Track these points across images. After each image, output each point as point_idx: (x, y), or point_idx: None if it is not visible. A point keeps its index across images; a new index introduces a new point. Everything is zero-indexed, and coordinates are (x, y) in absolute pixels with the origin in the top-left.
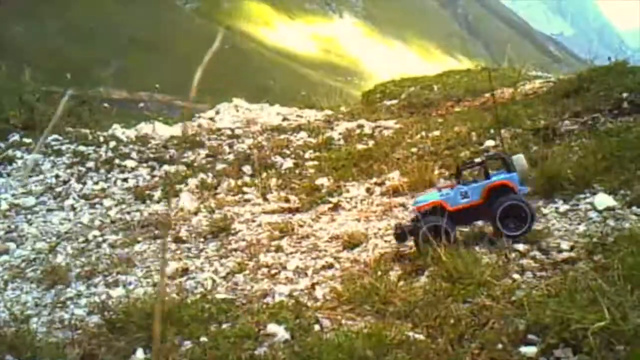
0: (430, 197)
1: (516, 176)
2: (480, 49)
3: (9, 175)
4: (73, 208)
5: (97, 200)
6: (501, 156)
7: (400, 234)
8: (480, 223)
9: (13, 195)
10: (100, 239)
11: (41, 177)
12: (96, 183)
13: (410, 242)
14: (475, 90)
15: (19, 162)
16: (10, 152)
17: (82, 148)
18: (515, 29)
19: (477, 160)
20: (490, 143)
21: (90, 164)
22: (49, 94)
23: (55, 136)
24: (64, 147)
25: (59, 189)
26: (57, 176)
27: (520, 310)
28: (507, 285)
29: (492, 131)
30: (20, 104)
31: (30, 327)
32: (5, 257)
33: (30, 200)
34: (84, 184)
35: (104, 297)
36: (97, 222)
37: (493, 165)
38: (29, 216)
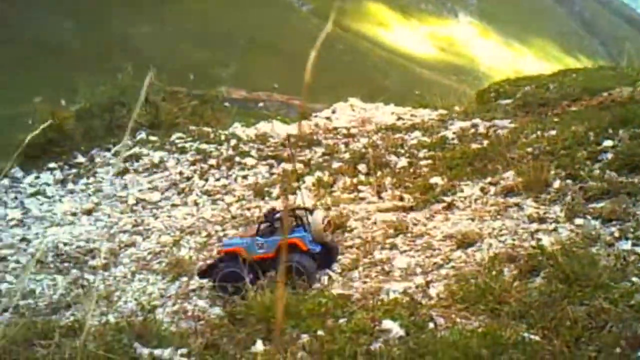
0: (234, 242)
1: (308, 236)
2: (597, 47)
3: (136, 171)
4: (196, 203)
5: (218, 196)
6: (299, 214)
7: (203, 272)
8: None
9: (140, 190)
10: (221, 233)
11: (166, 173)
12: (218, 180)
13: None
14: (592, 89)
15: (145, 159)
16: (137, 149)
17: (204, 146)
18: (634, 27)
19: (277, 216)
20: (608, 143)
21: (212, 162)
22: (173, 93)
23: (179, 134)
24: (187, 145)
25: (182, 185)
26: (181, 173)
27: (639, 314)
28: (626, 288)
29: (610, 131)
30: (146, 103)
31: (156, 317)
32: (132, 250)
33: (156, 196)
34: (206, 180)
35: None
36: (218, 218)
37: None
38: (154, 211)
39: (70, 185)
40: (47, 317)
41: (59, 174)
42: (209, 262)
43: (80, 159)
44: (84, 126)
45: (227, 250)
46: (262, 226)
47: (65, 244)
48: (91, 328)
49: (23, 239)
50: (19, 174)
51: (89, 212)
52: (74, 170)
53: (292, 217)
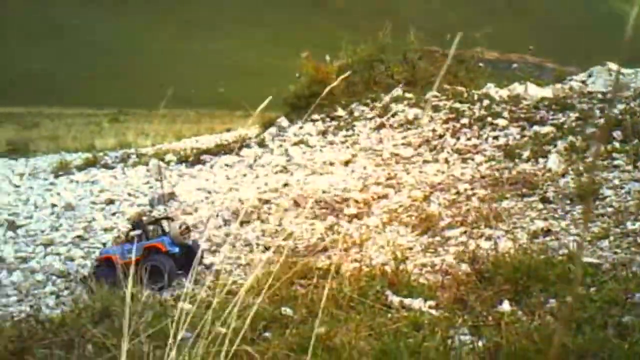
0: (107, 250)
1: (167, 239)
2: None
3: (391, 126)
4: (446, 161)
5: (469, 155)
6: (160, 223)
7: (82, 279)
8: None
9: (394, 145)
10: (470, 192)
11: (419, 130)
12: (469, 139)
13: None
14: None
15: (400, 115)
16: (393, 105)
17: (457, 105)
18: None
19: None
20: None
21: (465, 121)
22: (430, 53)
23: (434, 93)
24: (441, 104)
25: (434, 142)
26: (434, 130)
27: None
28: None
29: None
30: (403, 60)
31: (407, 268)
32: (384, 202)
33: (409, 151)
34: (458, 139)
35: (472, 247)
36: (468, 176)
37: None
38: (407, 166)
39: (330, 137)
40: (305, 259)
41: (320, 126)
42: (89, 270)
43: (341, 112)
44: (345, 81)
45: (104, 257)
46: (131, 234)
47: (323, 192)
48: (346, 272)
49: (285, 184)
50: (285, 123)
51: (346, 163)
52: (334, 123)
53: (157, 226)
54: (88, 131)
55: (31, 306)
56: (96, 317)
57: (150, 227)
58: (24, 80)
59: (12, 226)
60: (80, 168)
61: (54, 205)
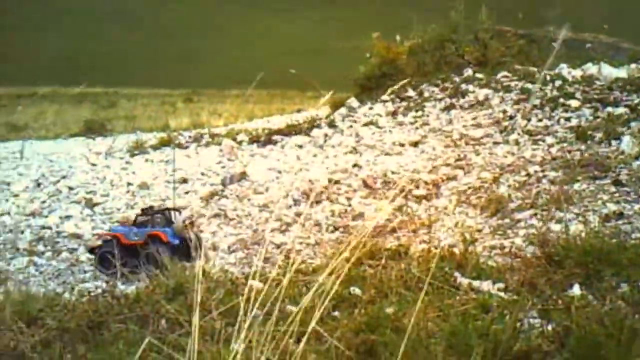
0: (116, 229)
1: (170, 230)
2: None
3: (461, 107)
4: (517, 142)
5: (539, 136)
6: (165, 213)
7: (92, 249)
8: None
9: (464, 126)
10: (540, 174)
11: (490, 111)
12: (540, 120)
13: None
14: None
15: (471, 95)
16: (463, 86)
17: (529, 85)
18: None
19: (144, 215)
20: None
21: (536, 102)
22: (501, 32)
23: (505, 73)
24: (512, 84)
25: (505, 124)
26: (504, 111)
27: None
28: None
29: None
30: (474, 40)
31: (476, 250)
32: (453, 183)
33: (479, 132)
34: (529, 120)
35: (542, 230)
36: (538, 158)
37: None
38: (476, 147)
39: (400, 118)
40: (374, 239)
41: (390, 106)
42: (97, 242)
43: (411, 92)
44: (415, 61)
45: (111, 234)
46: (139, 219)
47: (392, 173)
48: (414, 253)
49: (355, 165)
50: (355, 104)
51: (415, 144)
52: (404, 104)
53: (165, 215)
54: (163, 111)
55: (107, 282)
56: (170, 293)
57: (158, 216)
58: (101, 61)
59: (90, 204)
60: (155, 147)
61: (129, 184)
